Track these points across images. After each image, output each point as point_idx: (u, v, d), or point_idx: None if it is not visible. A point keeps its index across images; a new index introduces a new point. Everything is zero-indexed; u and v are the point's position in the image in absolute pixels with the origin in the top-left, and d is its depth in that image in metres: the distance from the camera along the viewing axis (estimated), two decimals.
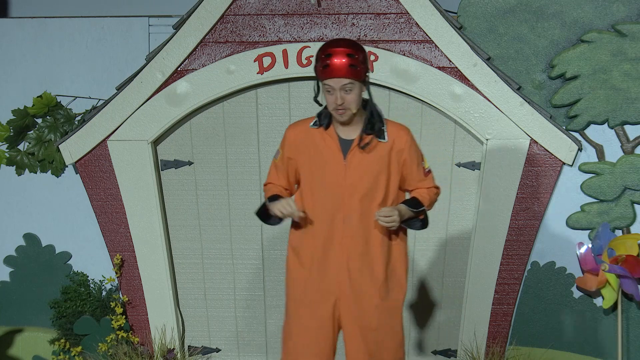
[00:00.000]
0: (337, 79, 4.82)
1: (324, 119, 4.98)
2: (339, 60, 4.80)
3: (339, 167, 4.94)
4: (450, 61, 6.71)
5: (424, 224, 5.13)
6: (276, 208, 4.92)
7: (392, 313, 5.04)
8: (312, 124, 5.01)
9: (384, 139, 4.95)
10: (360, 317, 4.97)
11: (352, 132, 4.96)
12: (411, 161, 5.00)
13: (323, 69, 4.84)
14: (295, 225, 5.08)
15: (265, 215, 5.07)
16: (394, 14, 6.74)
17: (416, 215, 5.06)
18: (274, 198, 5.02)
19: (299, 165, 5.03)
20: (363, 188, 4.93)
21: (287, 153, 5.05)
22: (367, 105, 4.98)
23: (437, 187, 5.15)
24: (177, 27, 6.81)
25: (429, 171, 5.09)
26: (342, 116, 4.88)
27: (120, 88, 6.87)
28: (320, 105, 5.02)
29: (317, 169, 4.97)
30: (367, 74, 4.91)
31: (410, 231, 6.99)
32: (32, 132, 7.07)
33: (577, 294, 6.87)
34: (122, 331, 6.86)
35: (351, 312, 4.97)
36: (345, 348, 5.05)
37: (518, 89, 6.74)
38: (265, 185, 5.19)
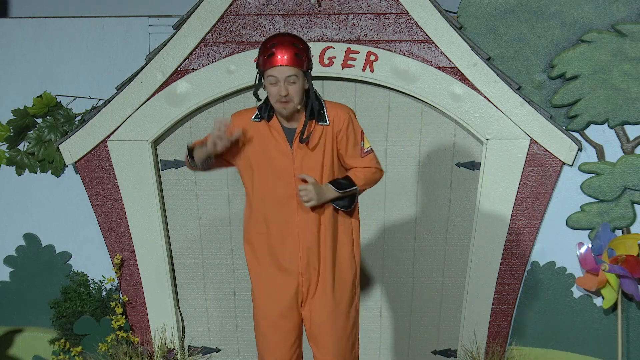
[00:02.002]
0: (281, 69, 4.85)
1: (265, 113, 5.01)
2: (284, 49, 4.85)
3: (286, 156, 4.98)
4: (450, 61, 6.71)
5: (351, 203, 5.06)
6: (210, 140, 4.90)
7: (342, 299, 5.06)
8: (253, 117, 5.04)
9: (325, 121, 4.99)
10: (316, 298, 5.02)
11: (295, 121, 5.00)
12: (347, 139, 5.01)
13: (268, 59, 4.87)
14: (249, 219, 5.11)
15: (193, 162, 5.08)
16: (394, 14, 6.74)
17: (342, 195, 5.01)
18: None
19: (244, 151, 5.04)
20: (312, 173, 4.97)
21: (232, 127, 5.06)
22: (307, 97, 5.00)
23: (377, 167, 5.10)
24: (177, 27, 6.80)
25: (369, 151, 5.08)
26: (285, 108, 4.92)
27: (120, 88, 6.87)
28: (259, 100, 5.04)
29: (264, 161, 5.01)
30: (310, 68, 4.95)
31: (409, 230, 6.98)
32: (32, 132, 7.07)
33: (577, 294, 6.87)
34: (122, 331, 6.86)
35: (311, 295, 5.02)
36: (307, 335, 5.08)
37: (518, 89, 6.74)
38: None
